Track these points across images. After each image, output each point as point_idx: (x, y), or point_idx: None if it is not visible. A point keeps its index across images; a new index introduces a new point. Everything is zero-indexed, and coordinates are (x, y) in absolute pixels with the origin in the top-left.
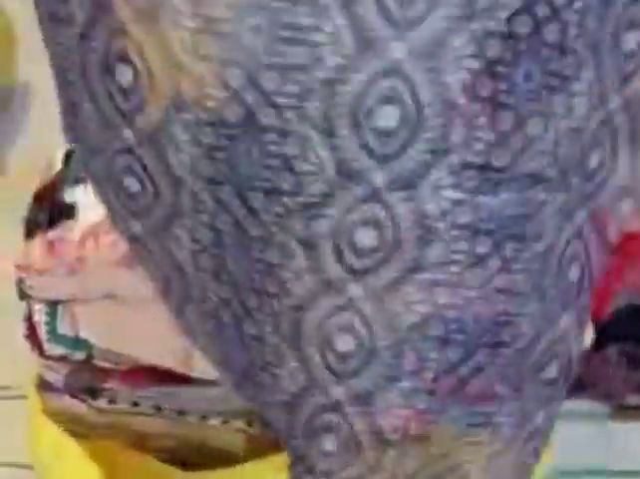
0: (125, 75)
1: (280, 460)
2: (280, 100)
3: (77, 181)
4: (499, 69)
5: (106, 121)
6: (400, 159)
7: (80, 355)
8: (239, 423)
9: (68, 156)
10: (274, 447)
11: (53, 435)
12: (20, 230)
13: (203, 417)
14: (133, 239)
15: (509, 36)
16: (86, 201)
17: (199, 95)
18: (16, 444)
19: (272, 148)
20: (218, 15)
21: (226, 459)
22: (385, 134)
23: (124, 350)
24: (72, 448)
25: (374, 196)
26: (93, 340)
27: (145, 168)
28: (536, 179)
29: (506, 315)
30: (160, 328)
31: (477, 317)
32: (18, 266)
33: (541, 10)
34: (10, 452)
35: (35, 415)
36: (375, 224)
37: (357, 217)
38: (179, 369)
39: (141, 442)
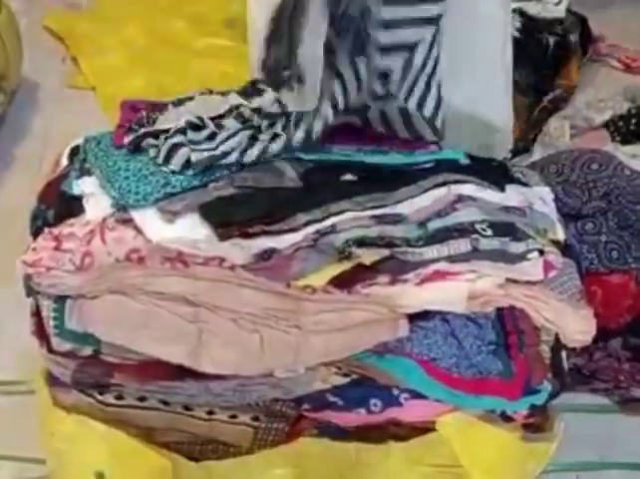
0: None
1: (286, 452)
2: None
3: (83, 172)
4: None
5: None
6: None
7: (87, 350)
8: (246, 418)
9: (73, 151)
10: (281, 441)
11: (66, 425)
12: None
13: (210, 412)
14: None
15: None
16: (92, 191)
17: None
18: (25, 439)
19: None
20: None
21: (233, 453)
22: None
23: (131, 345)
24: (85, 436)
25: None
26: (100, 336)
27: None
28: None
29: None
30: (167, 323)
31: None
32: (25, 263)
33: None
34: (19, 447)
35: (47, 408)
36: None
37: None
38: (187, 364)
39: (148, 437)
